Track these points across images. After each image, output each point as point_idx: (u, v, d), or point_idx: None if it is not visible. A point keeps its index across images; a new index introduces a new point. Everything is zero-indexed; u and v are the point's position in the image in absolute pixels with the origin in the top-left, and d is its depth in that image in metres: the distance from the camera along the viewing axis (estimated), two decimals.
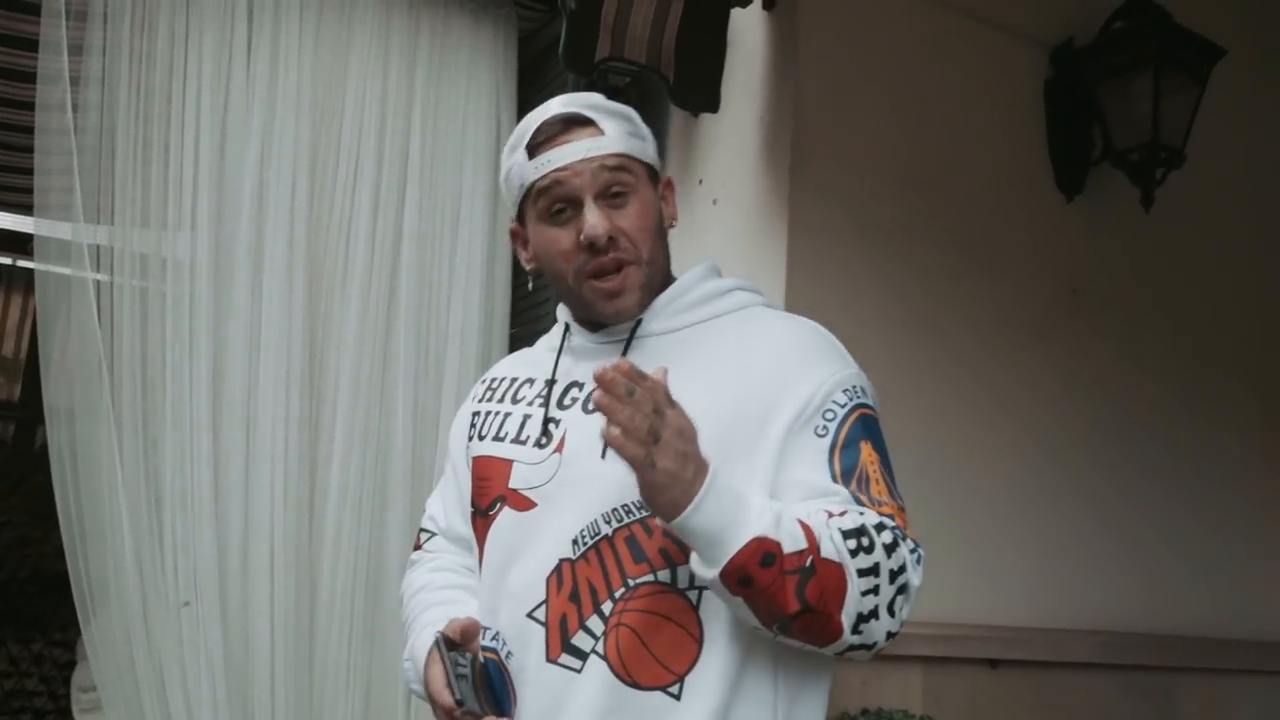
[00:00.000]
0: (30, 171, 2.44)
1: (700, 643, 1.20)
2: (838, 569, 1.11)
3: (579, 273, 1.31)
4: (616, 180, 1.31)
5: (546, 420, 1.34)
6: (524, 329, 2.87)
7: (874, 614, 1.13)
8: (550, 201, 1.31)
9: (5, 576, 4.36)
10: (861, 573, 1.12)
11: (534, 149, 1.32)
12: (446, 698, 1.21)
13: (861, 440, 1.23)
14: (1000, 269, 2.65)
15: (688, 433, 1.08)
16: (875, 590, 1.13)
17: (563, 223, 1.31)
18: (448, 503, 1.52)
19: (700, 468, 1.07)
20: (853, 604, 1.12)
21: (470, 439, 1.46)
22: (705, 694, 1.19)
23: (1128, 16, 2.68)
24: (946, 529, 2.44)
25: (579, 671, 1.21)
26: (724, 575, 1.08)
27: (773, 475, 1.21)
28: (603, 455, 1.19)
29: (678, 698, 1.19)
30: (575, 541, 1.24)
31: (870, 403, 1.29)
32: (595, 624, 1.22)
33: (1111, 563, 2.70)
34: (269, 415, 2.50)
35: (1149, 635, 2.71)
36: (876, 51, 2.56)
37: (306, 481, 2.54)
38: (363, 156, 2.71)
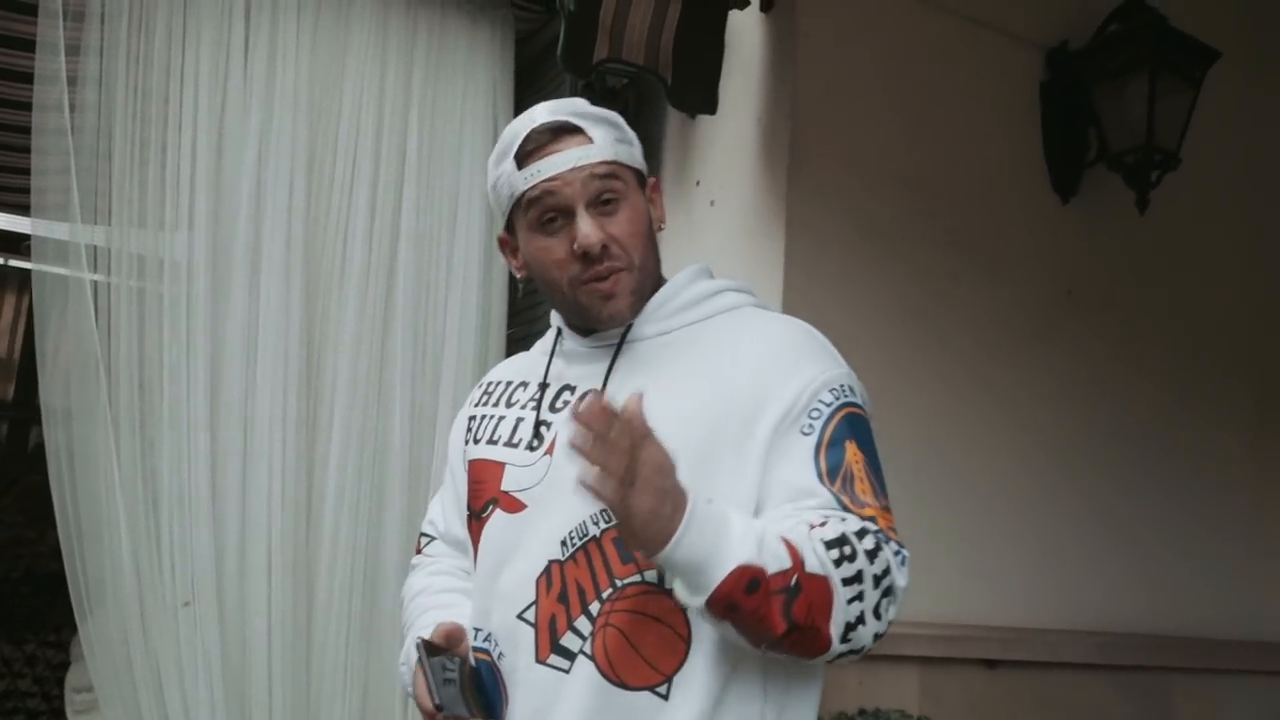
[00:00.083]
0: (27, 171, 2.43)
1: (688, 643, 1.20)
2: (823, 582, 1.10)
3: (574, 281, 1.31)
4: (607, 188, 1.31)
5: (538, 423, 1.35)
6: (521, 329, 2.87)
7: (860, 620, 1.13)
8: (541, 211, 1.31)
9: None
10: (846, 582, 1.11)
11: (523, 158, 1.32)
12: (427, 703, 1.24)
13: (847, 440, 1.23)
14: (997, 270, 2.66)
15: (665, 467, 1.06)
16: (860, 597, 1.13)
17: (554, 232, 1.31)
18: (446, 507, 1.53)
19: (679, 502, 1.06)
20: (840, 614, 1.12)
21: (467, 443, 1.47)
22: (694, 694, 1.19)
23: (1122, 19, 2.70)
24: (945, 529, 2.45)
25: (567, 672, 1.22)
26: (710, 603, 1.08)
27: (760, 475, 1.22)
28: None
29: (666, 698, 1.19)
30: (564, 543, 1.25)
31: (858, 402, 1.29)
32: (583, 625, 1.22)
33: (1109, 563, 2.71)
34: (266, 415, 2.49)
35: (1147, 636, 2.72)
36: (874, 53, 2.56)
37: (304, 482, 2.54)
38: (360, 156, 2.71)
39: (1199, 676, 2.75)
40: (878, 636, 1.16)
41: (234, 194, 2.55)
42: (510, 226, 1.39)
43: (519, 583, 1.28)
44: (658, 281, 1.39)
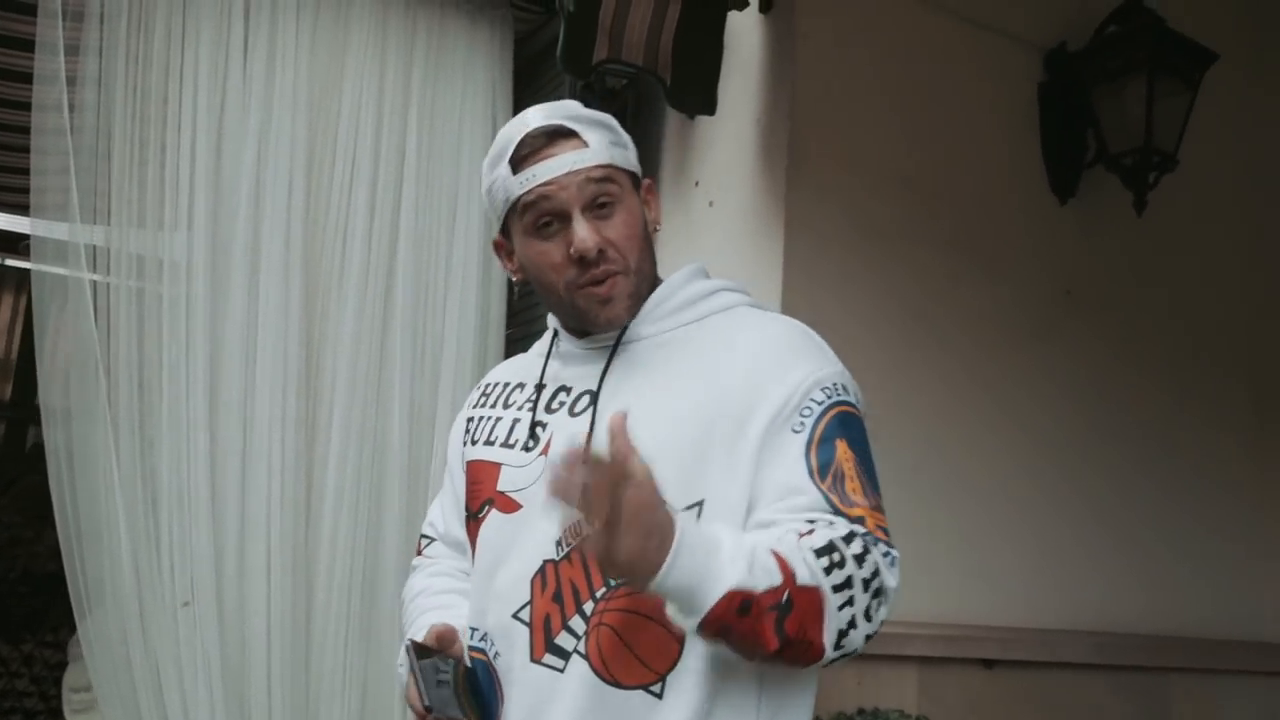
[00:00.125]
0: (26, 171, 2.43)
1: (682, 641, 1.20)
2: (814, 593, 1.10)
3: (570, 285, 1.32)
4: (602, 191, 1.32)
5: (534, 424, 1.37)
6: (520, 329, 2.87)
7: (852, 624, 1.13)
8: (537, 216, 1.32)
9: None
10: (836, 589, 1.11)
11: (517, 163, 1.32)
12: (417, 705, 1.25)
13: (838, 438, 1.23)
14: (996, 270, 2.66)
15: (648, 503, 1.02)
16: (851, 602, 1.13)
17: (550, 236, 1.32)
18: (446, 508, 1.55)
19: (666, 533, 1.03)
20: (832, 622, 1.12)
21: (465, 444, 1.49)
22: (687, 692, 1.19)
23: (1121, 21, 2.70)
24: (944, 529, 2.45)
25: (562, 671, 1.23)
26: (702, 626, 1.08)
27: (752, 474, 1.22)
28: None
29: (660, 696, 1.20)
30: (559, 542, 1.26)
31: (851, 400, 1.29)
32: (577, 624, 1.23)
33: (1109, 563, 2.72)
34: (266, 415, 2.49)
35: (1146, 636, 2.72)
36: (873, 54, 2.57)
37: (303, 482, 2.54)
38: (359, 156, 2.71)
39: (1198, 676, 2.76)
40: (869, 637, 1.17)
41: (233, 194, 2.54)
42: (505, 230, 1.39)
43: (514, 582, 1.28)
44: (654, 283, 1.39)
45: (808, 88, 2.44)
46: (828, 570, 1.11)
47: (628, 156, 1.38)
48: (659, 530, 1.03)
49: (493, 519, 1.36)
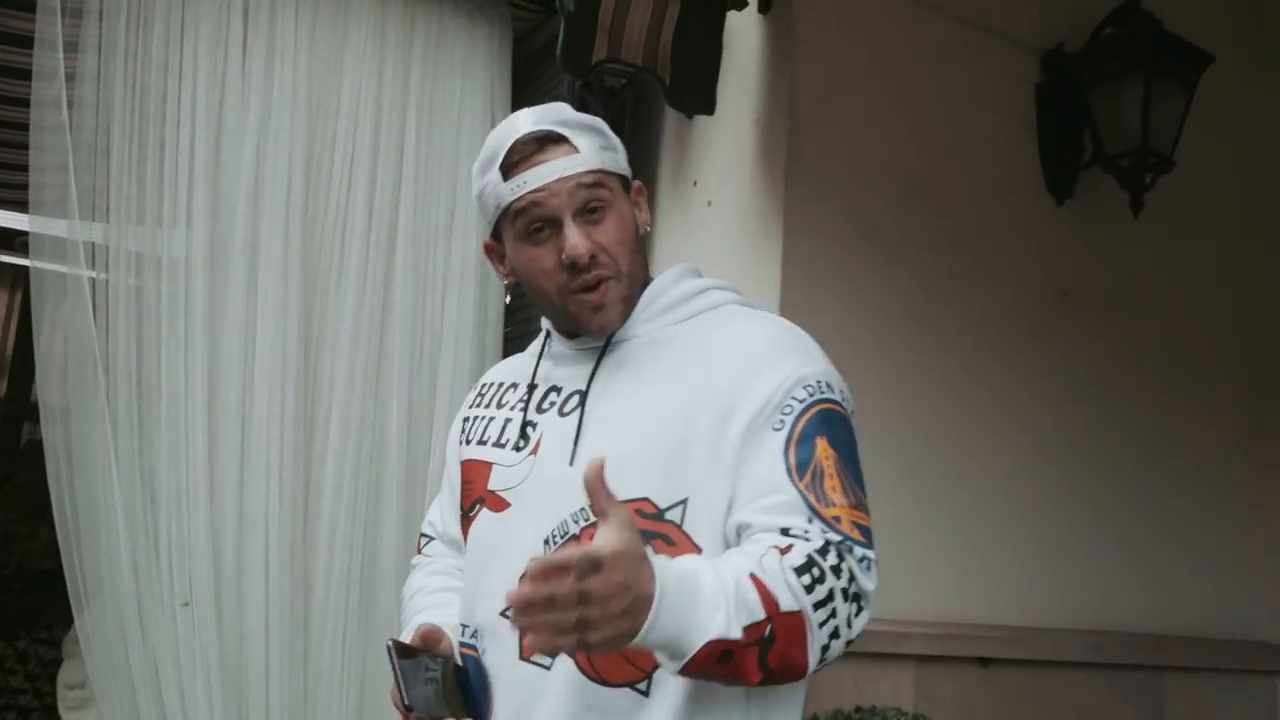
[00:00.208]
0: (25, 168, 2.43)
1: None
2: (797, 617, 1.10)
3: (562, 290, 1.33)
4: (594, 197, 1.32)
5: (525, 424, 1.38)
6: (518, 328, 2.88)
7: (835, 635, 1.13)
8: (529, 222, 1.32)
9: None
10: (818, 605, 1.11)
11: (508, 169, 1.33)
12: (397, 703, 1.26)
13: (818, 435, 1.23)
14: (995, 271, 2.67)
15: (620, 586, 0.99)
16: (834, 614, 1.13)
17: (541, 241, 1.32)
18: (444, 508, 1.57)
19: (643, 601, 1.01)
20: (816, 641, 1.12)
21: (461, 444, 1.50)
22: (674, 690, 1.20)
23: (1118, 23, 2.71)
24: (944, 529, 2.46)
25: (549, 669, 1.24)
26: (684, 671, 1.07)
27: (735, 473, 1.22)
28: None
29: (646, 694, 1.20)
30: (547, 541, 1.27)
31: (836, 398, 1.29)
32: None
33: (1108, 562, 2.72)
34: (264, 413, 2.49)
35: (1143, 635, 2.73)
36: (871, 55, 2.57)
37: (301, 480, 2.54)
38: (358, 154, 2.70)
39: (1195, 675, 2.76)
40: (849, 643, 1.17)
41: (232, 191, 2.54)
42: (497, 234, 1.40)
43: (503, 580, 1.27)
44: (645, 285, 1.40)
45: (807, 88, 2.45)
46: (809, 588, 1.11)
47: (618, 160, 1.38)
48: (636, 603, 1.00)
49: (483, 518, 1.37)
